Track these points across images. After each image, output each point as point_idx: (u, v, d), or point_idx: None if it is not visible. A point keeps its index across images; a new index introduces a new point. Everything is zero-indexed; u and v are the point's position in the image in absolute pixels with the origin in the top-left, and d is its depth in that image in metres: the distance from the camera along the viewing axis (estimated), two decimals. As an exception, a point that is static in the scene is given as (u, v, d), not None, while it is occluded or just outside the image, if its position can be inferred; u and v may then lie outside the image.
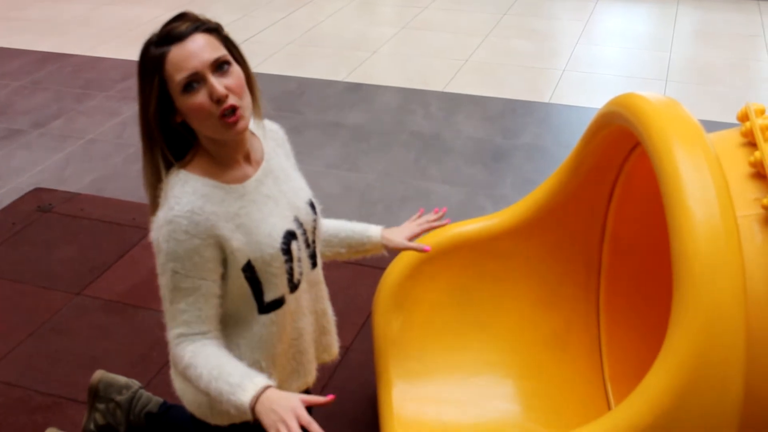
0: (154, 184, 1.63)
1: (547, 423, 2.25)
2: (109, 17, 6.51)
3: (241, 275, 1.64)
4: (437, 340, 2.37)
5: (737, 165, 1.72)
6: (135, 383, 2.30)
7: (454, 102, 4.80)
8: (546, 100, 4.81)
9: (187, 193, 1.58)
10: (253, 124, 1.71)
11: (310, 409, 1.96)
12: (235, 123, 1.55)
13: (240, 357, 1.68)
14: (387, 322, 2.32)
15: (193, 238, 1.57)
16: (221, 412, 1.75)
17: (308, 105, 4.79)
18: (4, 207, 3.75)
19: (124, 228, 3.54)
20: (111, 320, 2.96)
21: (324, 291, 1.91)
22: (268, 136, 1.78)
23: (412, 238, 2.08)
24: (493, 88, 4.99)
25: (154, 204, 1.65)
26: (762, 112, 1.80)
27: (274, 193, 1.71)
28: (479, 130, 4.44)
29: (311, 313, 1.85)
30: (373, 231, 2.05)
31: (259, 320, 1.70)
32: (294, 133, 1.82)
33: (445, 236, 2.38)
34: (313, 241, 1.81)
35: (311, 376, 1.90)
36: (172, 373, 1.85)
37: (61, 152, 4.30)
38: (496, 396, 2.32)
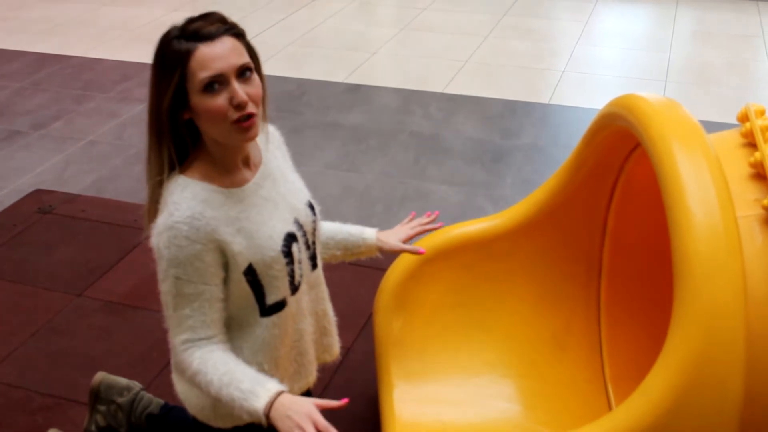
0: (159, 181, 1.62)
1: (547, 423, 2.25)
2: (109, 18, 6.51)
3: (243, 279, 1.64)
4: (438, 340, 2.38)
5: (737, 166, 1.73)
6: (136, 385, 2.30)
7: (453, 103, 4.80)
8: (545, 101, 4.81)
9: (186, 198, 1.57)
10: None
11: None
12: (249, 129, 1.55)
13: (242, 360, 1.68)
14: (388, 323, 2.33)
15: (195, 244, 1.56)
16: (224, 416, 1.75)
17: (308, 106, 4.79)
18: (5, 208, 3.75)
19: (125, 229, 3.54)
20: (111, 321, 2.97)
21: (324, 292, 1.91)
22: (265, 139, 1.78)
23: (406, 241, 2.09)
24: (492, 89, 4.99)
25: (153, 204, 1.64)
26: (762, 112, 1.80)
27: (273, 196, 1.71)
28: (479, 130, 4.44)
29: (312, 314, 1.86)
30: (369, 233, 2.05)
31: (261, 323, 1.70)
32: (293, 133, 1.81)
33: (446, 237, 2.38)
34: (313, 243, 1.82)
35: (312, 377, 1.90)
36: (174, 376, 1.85)
37: (61, 153, 4.30)
38: (496, 396, 2.32)
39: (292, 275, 1.72)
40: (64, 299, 3.09)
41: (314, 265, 1.83)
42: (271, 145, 1.79)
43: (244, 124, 1.54)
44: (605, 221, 2.36)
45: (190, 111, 1.56)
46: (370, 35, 6.03)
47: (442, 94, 4.92)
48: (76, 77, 5.34)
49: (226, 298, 1.66)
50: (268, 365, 1.72)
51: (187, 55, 1.52)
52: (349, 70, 5.33)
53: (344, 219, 2.15)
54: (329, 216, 2.03)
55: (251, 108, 1.55)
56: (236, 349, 1.70)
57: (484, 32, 5.99)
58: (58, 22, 6.44)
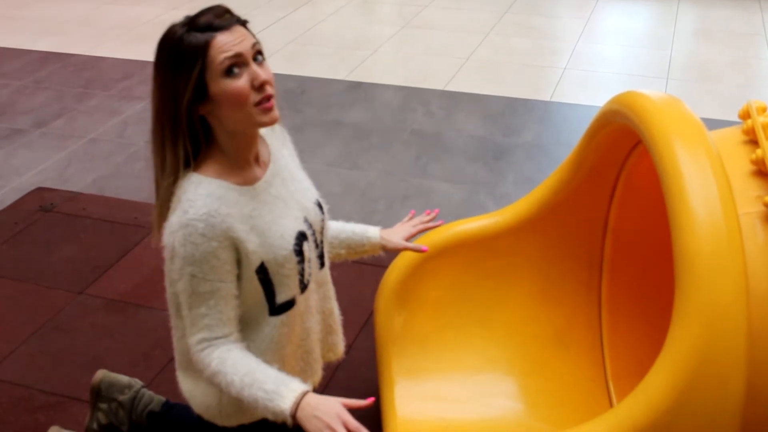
0: (173, 179, 1.60)
1: (548, 420, 2.25)
2: (110, 17, 6.51)
3: (255, 277, 1.64)
4: (439, 337, 2.38)
5: (739, 163, 1.72)
6: (137, 382, 2.30)
7: (454, 100, 4.80)
8: (547, 99, 4.81)
9: (201, 195, 1.56)
10: None
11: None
12: (271, 110, 1.57)
13: None
14: (389, 320, 2.33)
15: (210, 241, 1.56)
16: (229, 414, 1.75)
17: (309, 104, 4.79)
18: (6, 207, 3.75)
19: (126, 227, 3.54)
20: (113, 319, 2.97)
21: (331, 291, 1.92)
22: (273, 137, 1.78)
23: (408, 239, 2.10)
24: (493, 87, 4.99)
25: (165, 203, 1.63)
26: (764, 109, 1.80)
27: (284, 194, 1.71)
28: (480, 128, 4.44)
29: (319, 312, 1.86)
30: (372, 232, 2.07)
31: (270, 322, 1.69)
32: (295, 131, 1.83)
33: (447, 234, 2.38)
34: (321, 242, 1.82)
35: (317, 376, 1.90)
36: (179, 374, 1.85)
37: (63, 152, 4.30)
38: (498, 393, 2.32)
39: (302, 274, 1.72)
40: (65, 297, 3.09)
41: (322, 264, 1.84)
42: (278, 142, 1.79)
43: (266, 105, 1.56)
44: (606, 218, 2.36)
45: (209, 103, 1.55)
46: (371, 33, 6.02)
47: (444, 92, 4.91)
48: (77, 75, 5.34)
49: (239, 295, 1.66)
50: (275, 364, 1.72)
51: (206, 45, 1.52)
52: (350, 68, 5.33)
53: (346, 217, 2.15)
54: (331, 214, 2.03)
55: (270, 89, 1.56)
56: None
57: (486, 30, 5.98)
58: (59, 21, 6.44)
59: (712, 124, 1.84)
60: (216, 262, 1.58)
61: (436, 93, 4.90)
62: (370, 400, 1.56)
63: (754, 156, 1.70)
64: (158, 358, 2.75)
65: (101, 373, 2.30)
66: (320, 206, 1.81)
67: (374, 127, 4.49)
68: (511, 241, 2.38)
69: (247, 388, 1.56)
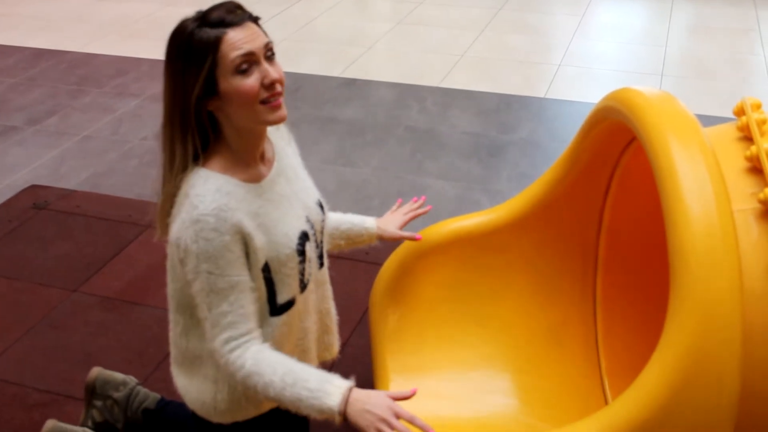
0: (180, 175, 1.59)
1: (543, 417, 2.25)
2: (104, 13, 6.49)
3: (260, 276, 1.63)
4: (434, 334, 2.37)
5: (733, 159, 1.72)
6: (132, 380, 2.30)
7: (449, 97, 4.79)
8: (541, 95, 4.81)
9: (210, 190, 1.55)
10: None
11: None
12: (279, 108, 1.57)
13: None
14: (384, 317, 2.33)
15: (223, 235, 1.54)
16: (224, 411, 1.75)
17: (303, 100, 4.79)
18: (0, 204, 3.73)
19: (120, 224, 3.54)
20: (107, 317, 2.96)
21: (329, 290, 1.92)
22: (277, 135, 1.77)
23: (402, 228, 2.15)
24: (488, 83, 4.99)
25: (171, 199, 1.61)
26: (758, 106, 1.80)
27: (287, 193, 1.70)
28: (475, 124, 4.44)
29: (316, 312, 1.86)
30: (369, 223, 2.11)
31: (270, 322, 1.68)
32: (289, 128, 1.83)
33: (442, 231, 2.38)
34: (321, 241, 1.82)
35: None
36: (174, 370, 1.84)
37: (57, 149, 4.29)
38: (493, 390, 2.32)
39: (302, 273, 1.71)
40: (60, 295, 3.08)
41: (321, 264, 1.84)
42: (282, 141, 1.79)
43: (274, 103, 1.56)
44: (601, 215, 2.36)
45: (218, 99, 1.55)
46: (366, 29, 6.02)
47: (438, 89, 4.91)
48: (71, 72, 5.32)
49: None
50: None
51: (217, 41, 1.51)
52: (344, 65, 5.32)
53: (341, 213, 2.15)
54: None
55: (280, 88, 1.56)
56: None
57: (480, 26, 5.98)
58: (53, 18, 6.42)
59: (707, 120, 1.83)
60: (231, 256, 1.56)
61: (431, 90, 4.90)
62: (413, 391, 1.55)
63: (748, 153, 1.70)
64: (153, 355, 2.74)
65: (96, 371, 2.30)
66: (321, 206, 1.81)
67: (369, 123, 4.49)
68: (506, 238, 2.38)
69: (289, 388, 1.54)
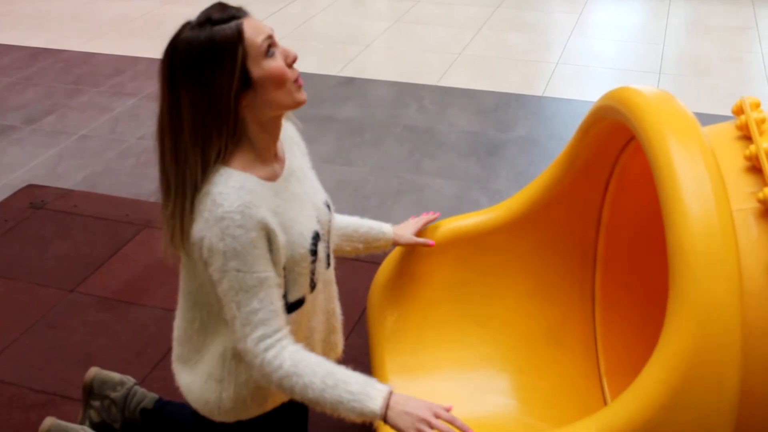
0: (203, 175, 1.57)
1: (542, 417, 2.25)
2: (101, 12, 6.48)
3: (281, 274, 1.63)
4: (432, 334, 2.37)
5: (732, 158, 1.72)
6: (130, 380, 2.30)
7: (447, 95, 4.79)
8: (539, 94, 4.80)
9: (233, 188, 1.54)
10: None
11: (304, 408, 1.97)
12: (302, 86, 1.62)
13: None
14: (382, 318, 2.32)
15: (249, 232, 1.53)
16: (228, 410, 1.74)
17: (301, 99, 4.77)
18: (-3, 204, 3.73)
19: (118, 224, 3.53)
20: (105, 317, 2.95)
21: (335, 290, 1.92)
22: (285, 134, 1.77)
23: (416, 234, 2.24)
24: (486, 82, 4.98)
25: (191, 199, 1.58)
26: (757, 105, 1.80)
27: (299, 193, 1.71)
28: (473, 123, 4.43)
29: (323, 312, 1.86)
30: (387, 228, 2.16)
31: None
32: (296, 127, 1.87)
33: (440, 231, 2.37)
34: (329, 241, 1.82)
35: None
36: (177, 366, 1.83)
37: (54, 148, 4.28)
38: (491, 390, 2.31)
39: (313, 273, 1.71)
40: (57, 295, 3.08)
41: (328, 264, 1.84)
42: (290, 141, 1.78)
43: (300, 82, 1.61)
44: (600, 215, 2.35)
45: (251, 90, 1.55)
46: (364, 28, 6.01)
47: (436, 87, 4.91)
48: (68, 72, 5.31)
49: None
50: None
51: (239, 31, 1.53)
52: (342, 63, 5.31)
53: (339, 213, 2.15)
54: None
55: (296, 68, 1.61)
56: None
57: (478, 25, 5.97)
58: (50, 17, 6.41)
59: (705, 118, 1.83)
60: (258, 252, 1.55)
61: (429, 88, 4.89)
62: (449, 406, 1.56)
63: (747, 152, 1.70)
64: (150, 355, 2.74)
65: (94, 371, 2.30)
66: (328, 207, 1.82)
67: (367, 122, 4.48)
68: (505, 237, 2.37)
69: (330, 390, 1.54)
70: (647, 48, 5.47)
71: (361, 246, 2.12)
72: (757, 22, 5.86)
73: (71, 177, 3.97)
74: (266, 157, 1.64)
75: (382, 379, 2.22)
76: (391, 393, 1.56)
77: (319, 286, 1.78)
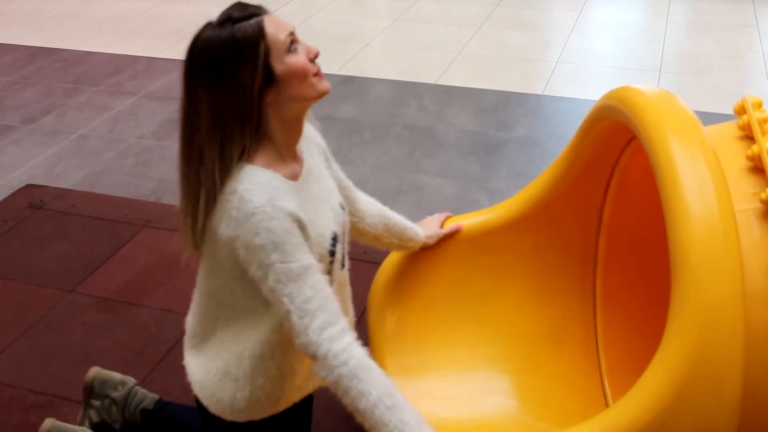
0: (226, 172, 1.56)
1: (543, 417, 2.24)
2: (100, 11, 6.47)
3: None
4: (433, 335, 2.36)
5: (735, 158, 1.71)
6: (131, 380, 2.29)
7: (447, 94, 4.78)
8: (539, 92, 4.80)
9: (260, 184, 1.53)
10: None
11: (309, 403, 1.96)
12: (323, 78, 1.62)
13: (272, 357, 1.68)
14: (382, 318, 2.32)
15: (283, 222, 1.52)
16: (240, 410, 1.73)
17: (301, 98, 4.76)
18: (-4, 204, 3.72)
19: (117, 224, 3.52)
20: (104, 317, 2.95)
21: (349, 292, 1.91)
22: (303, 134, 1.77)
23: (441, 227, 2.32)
24: (485, 80, 4.97)
25: (212, 198, 1.58)
26: (759, 105, 1.79)
27: (318, 193, 1.70)
28: (473, 122, 4.42)
29: None
30: (421, 231, 2.24)
31: None
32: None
33: (441, 231, 2.36)
34: (345, 242, 1.81)
35: None
36: (190, 359, 1.81)
37: (53, 148, 4.27)
38: (492, 391, 2.31)
39: (330, 274, 1.71)
40: (56, 295, 3.07)
41: (343, 265, 1.83)
42: (306, 140, 1.78)
43: (320, 74, 1.62)
44: (600, 214, 2.34)
45: (275, 86, 1.56)
46: (363, 26, 6.00)
47: (436, 86, 4.90)
48: (66, 71, 5.30)
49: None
50: (297, 363, 1.72)
51: (260, 28, 1.53)
52: (342, 62, 5.31)
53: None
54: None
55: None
56: (266, 344, 1.68)
57: (477, 23, 5.96)
58: (48, 16, 6.40)
59: (705, 117, 1.82)
60: (296, 240, 1.53)
61: (429, 87, 4.88)
62: None
63: (750, 152, 1.69)
64: (150, 356, 2.73)
65: (95, 370, 2.29)
66: (342, 208, 1.81)
67: (367, 121, 4.47)
68: (505, 237, 2.37)
69: (383, 409, 1.50)
70: (647, 46, 5.46)
71: (396, 241, 2.16)
72: (758, 20, 5.85)
73: (70, 177, 3.96)
74: (287, 156, 1.64)
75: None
76: None
77: (335, 287, 1.77)
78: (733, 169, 1.69)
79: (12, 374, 2.68)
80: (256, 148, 1.59)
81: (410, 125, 4.41)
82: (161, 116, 4.61)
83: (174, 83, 4.94)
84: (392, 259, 2.35)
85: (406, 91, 4.84)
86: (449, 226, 2.33)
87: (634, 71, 5.03)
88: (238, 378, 1.71)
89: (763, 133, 1.71)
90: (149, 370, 2.65)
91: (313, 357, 1.55)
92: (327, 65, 5.21)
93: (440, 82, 4.95)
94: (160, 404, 2.24)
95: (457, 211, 3.03)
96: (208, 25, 1.56)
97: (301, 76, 1.57)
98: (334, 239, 1.70)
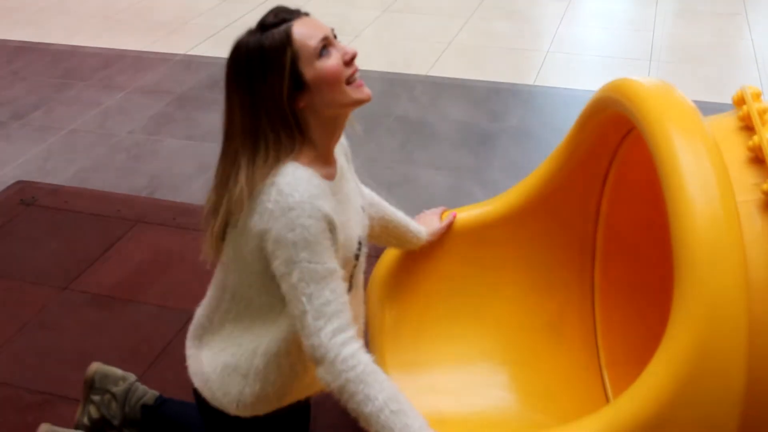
0: (267, 170, 1.55)
1: (543, 410, 2.24)
2: (87, 4, 6.42)
3: None
4: (432, 329, 2.36)
5: (735, 150, 1.71)
6: (131, 376, 2.29)
7: (438, 86, 4.77)
8: (530, 82, 4.79)
9: (301, 180, 1.53)
10: None
11: (308, 403, 1.96)
12: (362, 85, 1.60)
13: (287, 355, 1.67)
14: (381, 313, 2.31)
15: (319, 222, 1.51)
16: (246, 406, 1.73)
17: (292, 91, 4.74)
18: (-14, 201, 3.69)
19: (110, 220, 3.50)
20: (100, 315, 2.93)
21: (362, 293, 1.91)
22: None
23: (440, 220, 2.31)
24: (476, 71, 4.96)
25: (248, 196, 1.56)
26: (758, 95, 1.78)
27: (348, 196, 1.71)
28: (464, 113, 4.42)
29: (354, 315, 1.85)
30: (423, 232, 2.22)
31: None
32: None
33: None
34: (366, 245, 1.81)
35: None
36: (194, 351, 1.81)
37: (43, 144, 4.23)
38: (492, 384, 2.31)
39: (352, 277, 1.72)
40: (50, 293, 3.05)
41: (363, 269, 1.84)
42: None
43: (359, 82, 1.59)
44: (599, 206, 2.34)
45: (306, 92, 1.55)
46: (353, 18, 5.98)
47: (427, 77, 4.89)
48: (55, 65, 5.26)
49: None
50: (309, 362, 1.71)
51: (288, 34, 1.54)
52: (332, 54, 5.28)
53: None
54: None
55: (355, 64, 1.59)
56: (283, 343, 1.67)
57: (467, 13, 5.95)
58: (35, 10, 6.35)
59: (697, 106, 1.82)
60: (327, 243, 1.53)
61: (420, 79, 4.87)
62: None
63: (750, 143, 1.68)
64: (146, 353, 2.71)
65: (95, 365, 2.29)
66: (364, 210, 1.81)
67: (358, 113, 4.41)
68: (503, 230, 2.36)
69: (388, 413, 1.50)
70: (637, 35, 5.46)
71: (394, 241, 2.16)
72: (746, 8, 5.86)
73: (61, 173, 3.93)
74: (327, 156, 1.64)
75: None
76: None
77: (353, 290, 1.77)
78: (733, 160, 1.68)
79: (8, 374, 2.66)
80: (299, 148, 1.59)
81: (402, 117, 4.39)
82: (152, 110, 4.58)
83: (163, 77, 4.92)
84: (390, 254, 2.34)
85: (396, 82, 4.83)
86: (446, 218, 2.33)
87: (625, 60, 5.04)
88: (248, 374, 1.71)
89: (764, 124, 1.71)
90: (145, 368, 2.64)
91: (321, 360, 1.54)
92: (317, 57, 5.20)
93: (431, 73, 4.94)
94: (161, 400, 2.24)
95: (452, 202, 3.02)
96: (247, 31, 1.58)
97: (332, 81, 1.55)
98: (360, 243, 1.71)
